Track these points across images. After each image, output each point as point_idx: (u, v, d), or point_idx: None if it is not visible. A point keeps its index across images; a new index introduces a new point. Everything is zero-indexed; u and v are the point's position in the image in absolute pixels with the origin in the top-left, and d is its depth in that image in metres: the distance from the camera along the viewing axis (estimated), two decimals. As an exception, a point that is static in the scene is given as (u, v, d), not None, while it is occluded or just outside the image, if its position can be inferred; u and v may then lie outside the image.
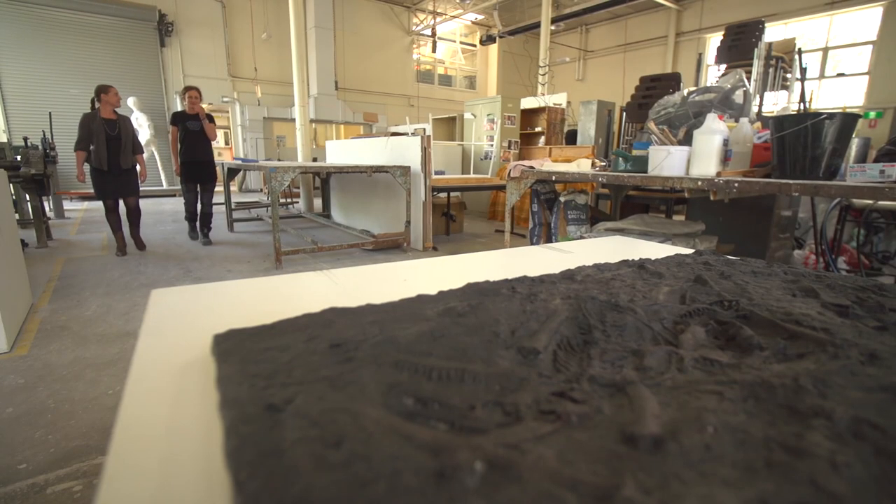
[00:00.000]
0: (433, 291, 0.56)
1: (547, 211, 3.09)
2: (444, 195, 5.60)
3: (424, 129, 8.59)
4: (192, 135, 4.54)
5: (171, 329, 0.52)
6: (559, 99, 8.32)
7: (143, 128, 9.58)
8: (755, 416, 0.29)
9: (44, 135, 5.61)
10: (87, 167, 4.07)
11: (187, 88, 4.60)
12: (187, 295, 0.61)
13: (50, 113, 6.84)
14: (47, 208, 6.02)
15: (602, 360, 0.40)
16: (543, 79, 9.59)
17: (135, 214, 4.34)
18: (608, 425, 0.29)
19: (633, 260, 0.73)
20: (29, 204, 4.86)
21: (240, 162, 5.91)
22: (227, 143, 14.17)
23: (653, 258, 0.76)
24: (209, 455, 0.28)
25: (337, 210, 6.52)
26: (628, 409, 0.31)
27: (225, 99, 11.24)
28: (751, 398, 0.31)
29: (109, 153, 3.92)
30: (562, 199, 2.98)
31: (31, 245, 4.47)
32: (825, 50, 10.20)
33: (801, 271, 0.69)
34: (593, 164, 3.19)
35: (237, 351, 0.40)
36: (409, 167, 4.42)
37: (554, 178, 2.77)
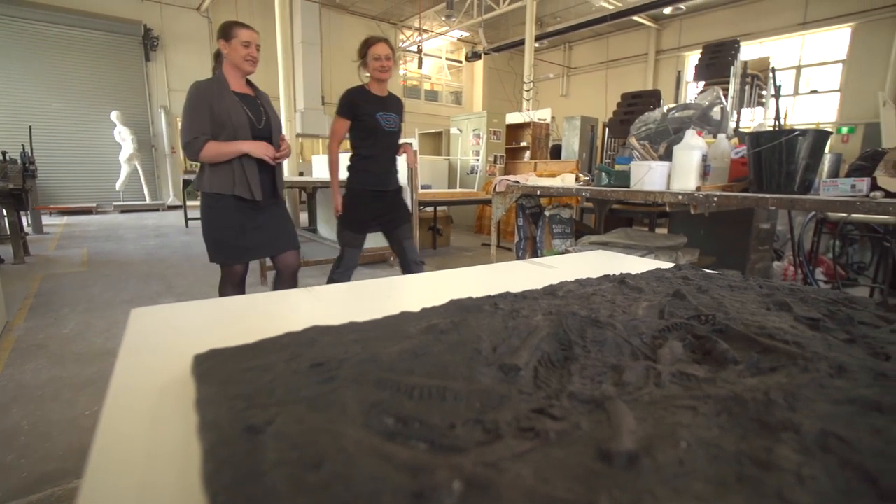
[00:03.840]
0: (417, 308, 0.56)
1: (532, 225, 3.12)
2: (430, 209, 5.62)
3: (411, 144, 8.63)
4: (381, 138, 2.39)
5: (150, 349, 0.51)
6: (544, 114, 8.45)
7: (126, 142, 9.48)
8: (728, 431, 0.30)
9: (23, 149, 5.51)
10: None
11: (373, 42, 2.31)
12: (168, 314, 0.61)
13: (30, 127, 6.73)
14: (25, 223, 5.90)
15: (582, 375, 0.40)
16: (528, 94, 9.75)
17: (290, 283, 2.23)
18: (586, 442, 0.29)
19: (614, 275, 0.74)
20: (6, 219, 4.73)
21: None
22: (212, 157, 13.93)
23: (634, 273, 0.77)
24: (187, 479, 0.28)
25: (323, 224, 6.49)
26: (606, 425, 0.31)
27: (210, 113, 11.17)
28: (724, 412, 0.32)
29: (260, 166, 1.99)
30: (547, 213, 3.01)
31: (6, 261, 4.36)
32: (798, 68, 10.57)
33: (775, 285, 0.71)
34: (577, 179, 3.23)
35: (217, 371, 0.40)
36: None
37: (539, 192, 2.81)
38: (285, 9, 6.81)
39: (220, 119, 1.89)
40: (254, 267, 4.29)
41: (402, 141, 2.56)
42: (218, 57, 2.02)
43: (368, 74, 2.36)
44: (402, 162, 2.69)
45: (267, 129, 2.03)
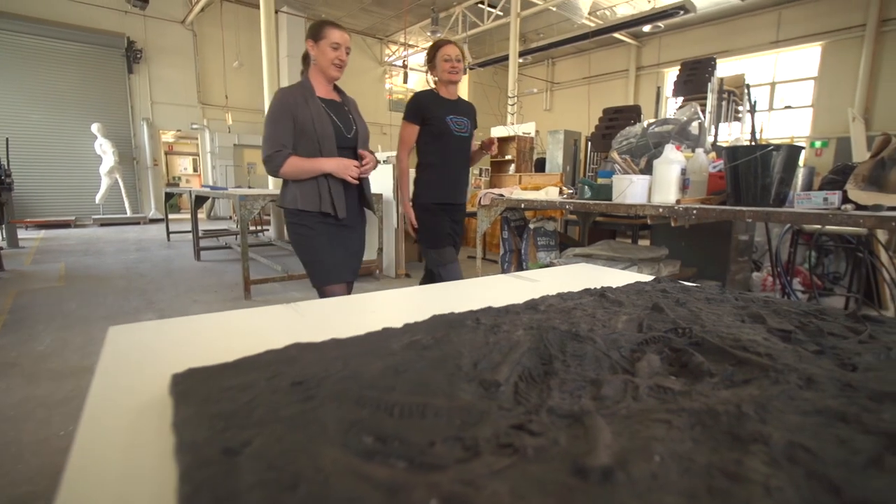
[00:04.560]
0: (400, 324, 0.56)
1: (517, 237, 3.15)
2: (416, 222, 5.62)
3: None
4: (451, 142, 2.23)
5: (128, 368, 0.50)
6: (528, 128, 8.57)
7: (106, 154, 9.35)
8: (701, 444, 0.31)
9: (-1, 161, 5.40)
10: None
11: (442, 43, 2.21)
12: (147, 331, 0.60)
13: (7, 139, 6.60)
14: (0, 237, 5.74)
15: (561, 390, 0.41)
16: (512, 109, 9.89)
17: None
18: (563, 457, 0.29)
19: (595, 288, 0.75)
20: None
21: (208, 190, 5.81)
22: (195, 170, 13.93)
23: (614, 286, 0.78)
24: (163, 502, 0.28)
25: (308, 237, 6.45)
26: (583, 440, 0.32)
27: (194, 126, 11.12)
28: (698, 425, 0.33)
29: (345, 181, 1.87)
30: (531, 225, 3.04)
31: (-20, 277, 4.24)
32: (773, 84, 10.92)
33: (750, 297, 0.72)
34: (561, 192, 3.28)
35: (196, 391, 0.39)
36: (381, 194, 4.44)
37: (523, 205, 2.84)
38: (270, 23, 6.84)
39: (303, 128, 1.77)
40: (237, 280, 4.23)
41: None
42: (306, 59, 1.88)
43: (436, 78, 2.26)
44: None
45: (355, 139, 1.89)
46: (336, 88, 1.93)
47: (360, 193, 1.97)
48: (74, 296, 3.74)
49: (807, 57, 10.38)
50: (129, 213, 9.93)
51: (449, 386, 0.40)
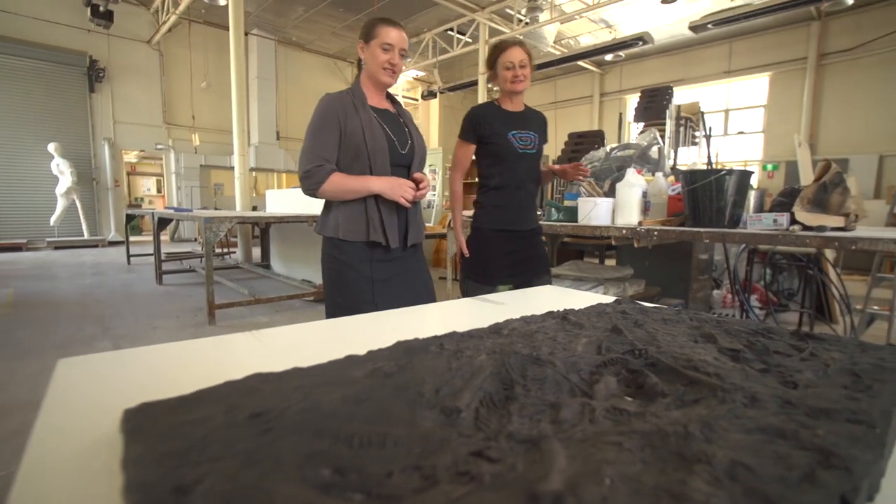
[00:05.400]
0: (363, 351, 0.56)
1: (487, 258, 3.18)
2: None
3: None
4: (514, 162, 1.95)
5: (77, 403, 0.48)
6: (497, 151, 8.75)
7: (63, 175, 9.00)
8: (650, 465, 0.32)
9: (-56, 182, 5.11)
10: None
11: (504, 46, 1.91)
12: (99, 363, 0.57)
13: (-46, 159, 6.28)
14: (-58, 263, 5.41)
15: (521, 415, 0.42)
16: (482, 132, 10.09)
17: None
18: (519, 483, 0.30)
19: (557, 311, 0.77)
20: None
21: (172, 212, 5.65)
22: (159, 190, 13.55)
23: (577, 308, 0.80)
24: (108, 547, 0.27)
25: (277, 260, 6.33)
26: (539, 465, 0.32)
27: (159, 146, 10.86)
28: (647, 447, 0.34)
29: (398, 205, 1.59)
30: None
31: (-83, 305, 3.96)
32: (726, 111, 11.56)
33: (704, 317, 0.76)
34: (529, 214, 3.34)
35: (149, 426, 0.38)
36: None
37: (493, 227, 2.88)
38: (240, 45, 6.82)
39: (352, 140, 1.50)
40: (201, 305, 4.09)
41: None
42: (360, 64, 1.63)
43: (497, 88, 1.95)
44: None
45: (410, 155, 1.60)
46: (390, 98, 1.68)
47: (408, 221, 1.63)
48: (24, 324, 3.54)
49: (756, 86, 11.07)
50: (86, 236, 9.52)
51: (410, 414, 0.40)
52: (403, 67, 1.66)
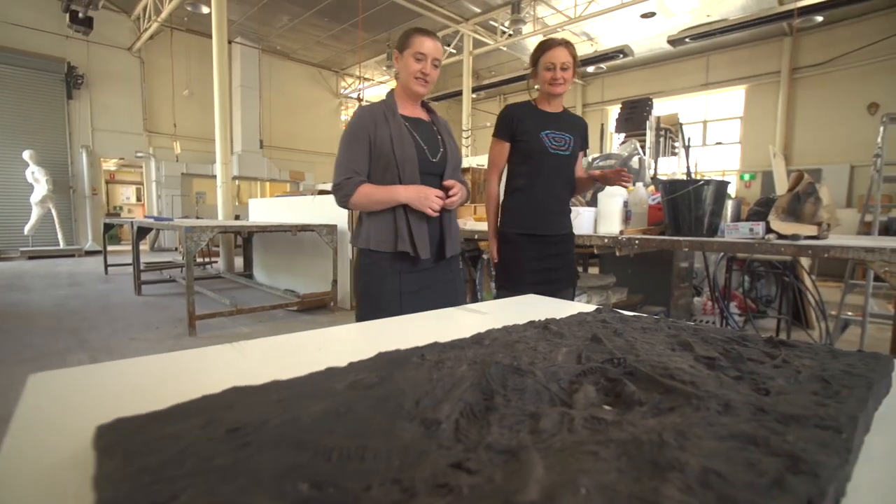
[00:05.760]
0: (345, 362, 0.56)
1: (471, 268, 3.19)
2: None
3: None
4: (544, 162, 1.88)
5: (48, 420, 0.47)
6: (482, 160, 8.82)
7: (39, 183, 8.79)
8: (625, 474, 0.32)
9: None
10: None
11: (548, 46, 1.83)
12: (72, 378, 0.56)
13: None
14: None
15: (501, 425, 0.42)
16: (467, 141, 10.18)
17: None
18: (497, 495, 0.30)
19: (539, 321, 0.78)
20: None
21: (152, 221, 5.55)
22: (139, 199, 13.34)
23: (558, 317, 0.81)
24: (78, 569, 0.26)
25: (260, 269, 6.25)
26: (517, 476, 0.33)
27: (139, 154, 10.69)
28: (623, 455, 0.35)
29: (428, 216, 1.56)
30: (485, 256, 3.09)
31: None
32: (704, 123, 11.85)
33: (681, 325, 0.77)
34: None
35: (123, 443, 0.37)
36: (335, 226, 4.40)
37: (477, 236, 2.89)
38: (223, 53, 6.78)
39: (381, 150, 1.50)
40: (181, 315, 4.01)
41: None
42: (397, 75, 1.64)
43: (537, 87, 1.88)
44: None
45: (442, 163, 1.58)
46: (425, 107, 1.68)
47: (442, 230, 1.60)
48: (-6, 336, 3.43)
49: (733, 98, 11.39)
50: (62, 245, 9.29)
51: (390, 426, 0.40)
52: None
